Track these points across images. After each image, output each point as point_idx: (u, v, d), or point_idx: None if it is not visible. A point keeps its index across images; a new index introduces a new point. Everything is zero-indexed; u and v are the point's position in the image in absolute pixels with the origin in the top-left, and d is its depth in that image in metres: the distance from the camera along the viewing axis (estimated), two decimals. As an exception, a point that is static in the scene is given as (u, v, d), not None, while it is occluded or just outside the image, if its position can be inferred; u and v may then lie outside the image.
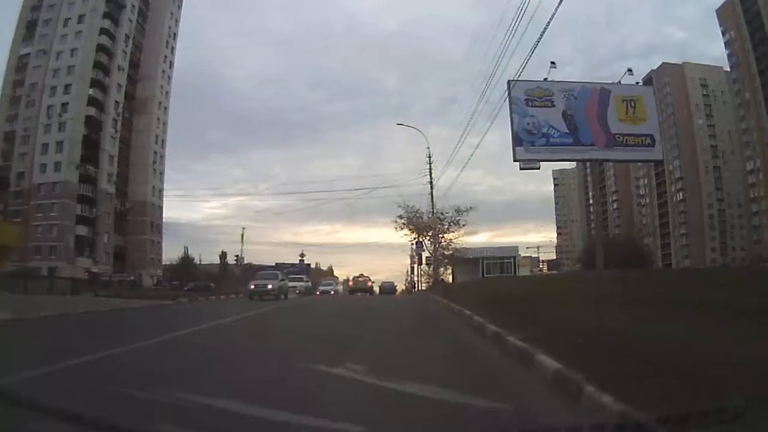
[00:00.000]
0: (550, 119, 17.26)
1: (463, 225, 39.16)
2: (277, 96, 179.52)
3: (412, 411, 4.17)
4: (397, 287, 57.71)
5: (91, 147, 73.12)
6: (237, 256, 60.40)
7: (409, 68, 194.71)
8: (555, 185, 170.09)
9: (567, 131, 17.27)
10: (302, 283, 38.93)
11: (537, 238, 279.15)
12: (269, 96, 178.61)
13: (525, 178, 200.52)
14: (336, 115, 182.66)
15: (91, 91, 74.90)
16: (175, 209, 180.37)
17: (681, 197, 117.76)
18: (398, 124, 38.35)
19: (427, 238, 39.46)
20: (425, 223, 38.51)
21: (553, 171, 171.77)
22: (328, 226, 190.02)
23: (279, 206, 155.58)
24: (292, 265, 65.86)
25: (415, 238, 41.06)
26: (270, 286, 26.27)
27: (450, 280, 49.63)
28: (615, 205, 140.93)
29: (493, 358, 6.71)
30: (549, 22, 15.29)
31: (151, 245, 79.44)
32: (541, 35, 13.83)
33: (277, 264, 69.91)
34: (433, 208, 36.30)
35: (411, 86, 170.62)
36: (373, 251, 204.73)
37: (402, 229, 40.28)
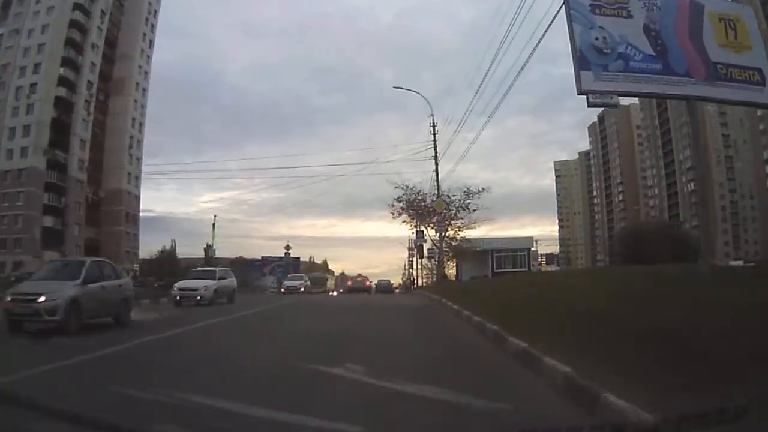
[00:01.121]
0: (627, 34, 11.44)
1: (474, 210, 33.14)
2: (273, 89, 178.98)
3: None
4: (393, 284, 55.01)
5: (60, 131, 67.05)
6: (209, 244, 54.25)
7: (405, 61, 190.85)
8: (557, 176, 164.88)
9: (653, 53, 11.42)
10: (207, 284, 20.53)
11: (534, 231, 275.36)
12: (265, 89, 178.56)
13: (521, 172, 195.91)
14: (332, 108, 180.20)
15: (61, 71, 68.83)
16: (168, 203, 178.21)
17: (692, 188, 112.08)
18: (395, 88, 31.99)
19: (431, 226, 33.36)
20: (428, 208, 32.47)
21: (554, 162, 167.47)
22: (324, 220, 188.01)
23: (274, 200, 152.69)
24: (280, 258, 60.12)
25: (415, 226, 35.07)
26: (43, 298, 10.43)
27: (454, 275, 44.03)
28: (620, 197, 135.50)
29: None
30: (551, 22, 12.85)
31: (127, 237, 73.22)
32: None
33: (263, 258, 64.27)
34: (438, 189, 30.12)
35: (407, 79, 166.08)
36: (369, 245, 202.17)
37: (400, 215, 34.00)
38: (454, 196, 32.56)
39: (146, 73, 79.17)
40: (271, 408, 4.06)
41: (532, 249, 45.53)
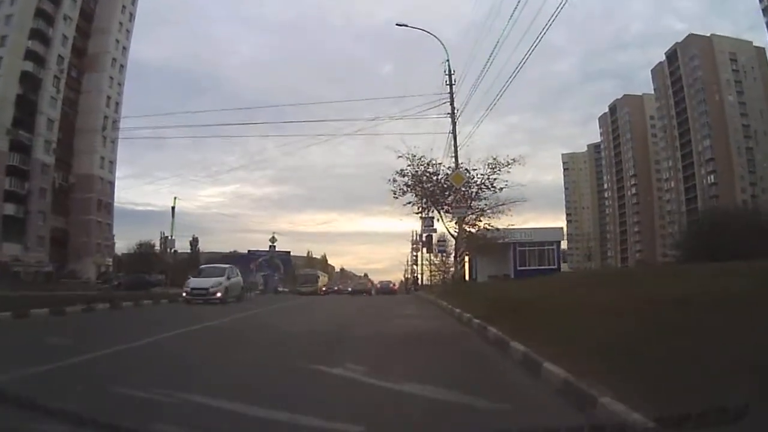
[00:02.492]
0: None
1: (501, 189, 25.36)
2: (273, 84, 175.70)
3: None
4: (395, 285, 54.64)
5: (26, 109, 60.06)
6: (166, 237, 46.51)
7: (404, 56, 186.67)
8: (564, 170, 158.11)
9: None
10: None
11: (537, 226, 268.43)
12: (263, 83, 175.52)
13: (521, 168, 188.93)
14: (331, 102, 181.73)
15: (29, 43, 61.91)
16: (168, 198, 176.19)
17: (712, 180, 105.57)
18: (398, 25, 23.17)
19: (444, 209, 25.87)
20: (441, 184, 24.98)
21: (562, 155, 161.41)
22: (325, 215, 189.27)
23: (276, 194, 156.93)
24: (266, 252, 53.46)
25: (423, 209, 27.28)
26: None
27: (465, 274, 37.21)
28: (633, 190, 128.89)
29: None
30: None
31: (98, 228, 66.07)
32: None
33: (249, 252, 57.55)
34: (455, 157, 22.92)
35: (406, 74, 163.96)
36: (372, 240, 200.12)
37: (404, 193, 25.93)
38: (475, 169, 24.86)
39: (125, 48, 72.02)
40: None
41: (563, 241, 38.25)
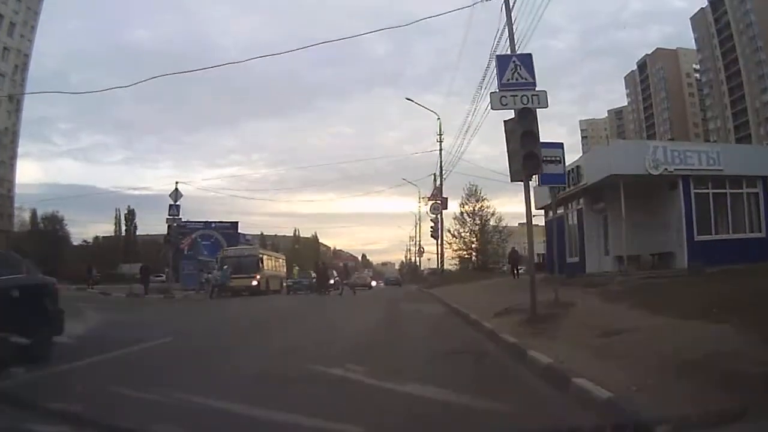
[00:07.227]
0: None
1: None
2: (268, 65, 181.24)
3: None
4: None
5: None
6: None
7: (400, 34, 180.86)
8: (583, 137, 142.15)
9: None
10: None
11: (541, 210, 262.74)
12: (260, 65, 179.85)
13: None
14: (328, 83, 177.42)
15: None
16: (166, 181, 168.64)
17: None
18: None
19: None
20: None
21: (580, 122, 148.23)
22: (322, 195, 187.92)
23: (273, 176, 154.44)
24: (206, 223, 36.33)
25: None
26: None
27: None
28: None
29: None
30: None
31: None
32: None
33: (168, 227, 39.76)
34: None
35: (402, 53, 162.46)
36: (369, 220, 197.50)
37: None
38: None
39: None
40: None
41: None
